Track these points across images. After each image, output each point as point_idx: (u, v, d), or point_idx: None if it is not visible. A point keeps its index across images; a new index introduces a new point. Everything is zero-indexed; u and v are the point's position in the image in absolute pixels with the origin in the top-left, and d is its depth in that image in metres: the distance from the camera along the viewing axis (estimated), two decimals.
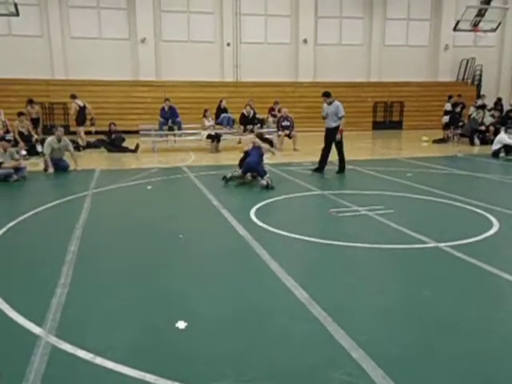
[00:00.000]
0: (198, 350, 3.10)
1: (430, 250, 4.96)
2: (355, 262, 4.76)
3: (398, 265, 4.68)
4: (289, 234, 5.52)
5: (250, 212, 6.59)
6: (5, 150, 9.10)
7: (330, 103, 9.70)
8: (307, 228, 6.02)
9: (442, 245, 5.06)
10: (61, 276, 4.29)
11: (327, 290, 4.02)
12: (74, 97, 14.95)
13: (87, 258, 4.81)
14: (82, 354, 3.04)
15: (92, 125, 14.86)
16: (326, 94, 9.77)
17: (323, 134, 10.05)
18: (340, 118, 9.61)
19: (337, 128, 9.63)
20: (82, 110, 14.72)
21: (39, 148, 12.13)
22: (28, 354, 3.02)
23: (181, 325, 3.39)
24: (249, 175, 8.95)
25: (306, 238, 5.36)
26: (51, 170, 10.03)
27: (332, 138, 9.73)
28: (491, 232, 5.54)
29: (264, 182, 8.25)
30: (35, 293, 3.99)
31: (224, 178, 8.68)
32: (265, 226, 5.90)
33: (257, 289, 4.07)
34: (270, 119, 15.71)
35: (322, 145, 10.01)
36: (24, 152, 11.62)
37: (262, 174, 8.54)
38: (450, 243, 5.09)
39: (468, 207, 6.81)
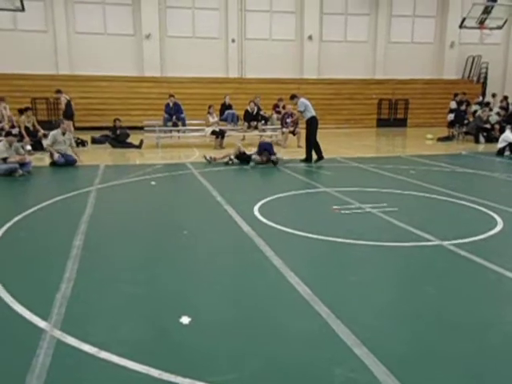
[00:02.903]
0: (201, 344, 3.12)
1: (433, 248, 4.96)
2: (358, 259, 4.76)
3: (402, 262, 4.68)
4: (292, 231, 5.53)
5: (254, 208, 6.59)
6: (10, 145, 9.14)
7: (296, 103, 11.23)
8: (310, 225, 6.03)
9: (446, 243, 5.06)
10: (66, 270, 4.32)
11: (330, 286, 4.03)
12: (59, 91, 15.00)
13: (92, 253, 4.84)
14: (86, 347, 3.06)
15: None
16: (293, 97, 11.45)
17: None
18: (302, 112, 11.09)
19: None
20: (69, 104, 14.76)
21: (45, 143, 12.18)
22: (33, 347, 3.05)
23: (185, 320, 3.41)
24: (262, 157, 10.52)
25: (310, 235, 5.37)
26: (56, 156, 10.08)
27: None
28: (496, 230, 5.52)
29: (274, 158, 10.48)
30: (40, 287, 4.02)
31: (205, 157, 10.85)
32: (268, 222, 5.91)
33: (260, 284, 4.08)
34: (274, 116, 15.70)
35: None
36: (29, 147, 11.68)
37: (273, 152, 10.57)
38: (454, 241, 5.09)
39: (472, 205, 6.80)
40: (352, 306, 3.66)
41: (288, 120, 14.46)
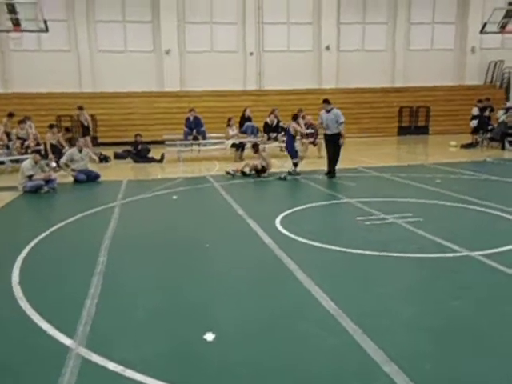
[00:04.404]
0: (226, 362, 3.08)
1: (462, 259, 4.83)
2: (384, 272, 4.66)
3: (429, 275, 4.55)
4: (315, 243, 5.46)
5: (276, 221, 6.56)
6: (36, 163, 9.34)
7: (328, 111, 10.10)
8: (333, 237, 5.96)
9: (474, 253, 4.92)
10: (90, 287, 4.35)
11: (356, 301, 3.94)
12: (81, 108, 15.56)
13: (116, 269, 4.87)
14: (111, 366, 3.06)
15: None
16: (327, 101, 10.23)
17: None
18: (340, 124, 9.98)
19: (338, 134, 10.05)
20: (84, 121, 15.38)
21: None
22: (59, 365, 3.06)
23: (209, 337, 3.38)
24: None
25: (333, 248, 5.30)
26: (72, 173, 10.33)
27: (333, 142, 10.10)
28: None
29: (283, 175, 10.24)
30: (66, 304, 4.05)
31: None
32: (291, 235, 5.86)
33: (284, 299, 4.03)
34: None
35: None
36: (54, 164, 11.89)
37: (294, 155, 10.56)
38: (482, 252, 4.95)
39: (500, 214, 6.62)
40: (379, 321, 3.57)
41: (308, 131, 14.41)
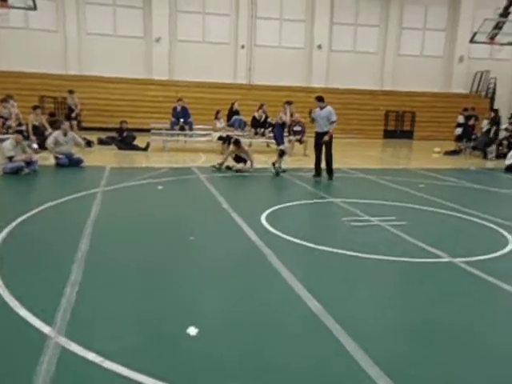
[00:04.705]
0: (208, 356, 3.04)
1: (444, 265, 4.87)
2: (369, 273, 4.67)
3: (413, 279, 4.58)
4: (300, 242, 5.44)
5: (261, 217, 6.52)
6: (17, 143, 9.10)
7: (322, 108, 9.79)
8: (319, 236, 5.96)
9: (456, 260, 4.97)
10: (71, 274, 4.24)
11: (341, 302, 3.94)
12: (71, 92, 15.70)
13: (97, 257, 4.77)
14: (91, 356, 2.98)
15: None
16: (321, 99, 9.85)
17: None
18: (331, 123, 9.71)
19: (327, 132, 9.75)
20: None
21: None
22: (37, 354, 2.97)
23: (192, 331, 3.33)
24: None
25: (319, 247, 5.29)
26: (58, 157, 10.07)
27: (320, 139, 9.84)
28: (507, 249, 5.43)
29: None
30: (45, 291, 3.94)
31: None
32: (276, 232, 5.83)
33: (269, 298, 3.99)
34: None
35: (333, 151, 9.95)
36: (36, 145, 11.62)
37: (280, 142, 10.43)
38: (465, 259, 5.00)
39: (482, 222, 6.71)
40: (365, 324, 3.57)
41: (295, 128, 14.41)
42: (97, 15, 20.14)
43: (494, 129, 15.60)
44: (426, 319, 3.69)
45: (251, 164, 10.60)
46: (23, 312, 3.51)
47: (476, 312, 3.87)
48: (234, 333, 3.37)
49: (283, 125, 10.63)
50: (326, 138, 9.74)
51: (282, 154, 10.36)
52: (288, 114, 10.54)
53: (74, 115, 15.98)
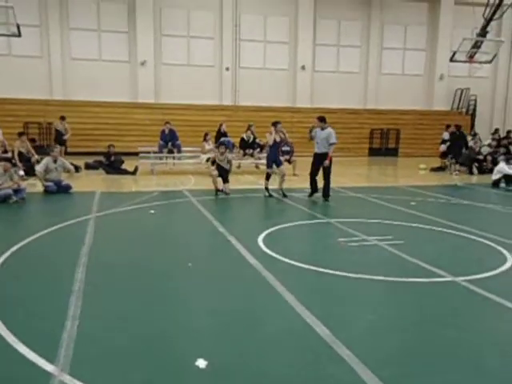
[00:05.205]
0: None
1: (448, 285, 4.85)
2: (373, 295, 4.63)
3: (419, 300, 4.53)
4: (301, 265, 5.39)
5: (258, 239, 6.46)
6: (5, 171, 8.93)
7: (323, 129, 9.72)
8: (318, 258, 5.92)
9: (459, 279, 4.96)
10: (69, 307, 4.11)
11: (349, 326, 3.88)
12: (63, 118, 15.78)
13: (95, 288, 4.63)
14: None
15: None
16: (323, 120, 9.78)
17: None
18: (331, 145, 9.61)
19: (326, 154, 9.63)
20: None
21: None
22: None
23: (201, 363, 3.22)
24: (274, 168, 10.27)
25: (320, 269, 5.24)
26: (47, 185, 9.94)
27: (320, 163, 9.72)
28: (507, 266, 5.45)
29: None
30: (44, 326, 3.80)
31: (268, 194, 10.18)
32: (275, 255, 5.77)
33: (277, 325, 3.90)
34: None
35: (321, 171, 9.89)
36: (22, 172, 11.43)
37: (279, 163, 10.30)
38: (466, 277, 5.00)
39: (478, 239, 6.74)
40: (375, 349, 3.51)
41: (284, 148, 14.44)
42: (81, 40, 20.12)
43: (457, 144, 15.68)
44: (436, 342, 3.65)
45: (229, 167, 10.74)
46: (22, 348, 3.37)
47: (484, 332, 3.84)
48: (243, 366, 3.27)
49: (272, 146, 10.31)
50: (327, 162, 9.60)
51: (267, 176, 10.30)
52: (272, 136, 10.25)
53: (64, 140, 15.85)
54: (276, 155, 10.37)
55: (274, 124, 10.45)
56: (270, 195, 10.11)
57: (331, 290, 4.80)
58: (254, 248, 6.04)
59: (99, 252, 5.82)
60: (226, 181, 10.47)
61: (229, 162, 10.83)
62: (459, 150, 15.40)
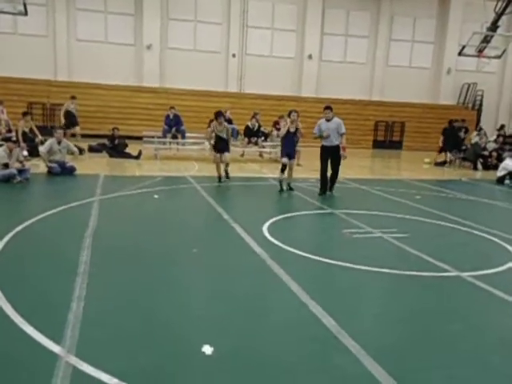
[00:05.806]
0: (221, 376, 2.94)
1: (453, 280, 4.84)
2: (379, 288, 4.63)
3: (425, 294, 4.52)
4: (305, 254, 5.38)
5: (263, 228, 6.44)
6: (10, 151, 8.89)
7: (328, 120, 9.04)
8: (323, 248, 5.92)
9: (464, 274, 4.95)
10: (75, 288, 4.11)
11: (355, 318, 3.87)
12: (74, 97, 15.49)
13: (100, 270, 4.63)
14: (104, 377, 2.86)
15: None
16: (329, 108, 9.11)
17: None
18: (342, 135, 9.06)
19: (337, 146, 9.05)
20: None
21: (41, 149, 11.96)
22: (48, 375, 2.84)
23: (207, 349, 3.22)
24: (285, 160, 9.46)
25: (324, 259, 5.23)
26: (51, 166, 9.90)
27: (332, 156, 9.12)
28: None
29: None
30: (50, 306, 3.80)
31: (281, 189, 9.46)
32: (280, 244, 5.76)
33: (283, 314, 3.91)
34: (275, 133, 15.60)
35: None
36: (26, 152, 11.39)
37: (292, 157, 9.54)
38: (472, 273, 4.99)
39: (483, 235, 6.73)
40: (381, 340, 3.51)
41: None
42: (87, 21, 19.95)
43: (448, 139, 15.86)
44: (442, 337, 3.65)
45: (228, 138, 10.30)
46: (30, 329, 3.37)
47: (490, 329, 3.83)
48: (248, 354, 3.26)
49: (286, 137, 9.48)
50: (345, 154, 9.10)
51: (282, 168, 9.45)
52: (287, 126, 9.52)
53: (77, 122, 15.56)
54: (290, 147, 9.48)
55: (289, 113, 9.62)
56: (282, 189, 9.40)
57: (336, 280, 4.80)
58: (258, 236, 6.02)
59: (103, 235, 5.81)
60: (226, 150, 10.06)
61: (227, 131, 10.34)
62: (451, 145, 15.65)
